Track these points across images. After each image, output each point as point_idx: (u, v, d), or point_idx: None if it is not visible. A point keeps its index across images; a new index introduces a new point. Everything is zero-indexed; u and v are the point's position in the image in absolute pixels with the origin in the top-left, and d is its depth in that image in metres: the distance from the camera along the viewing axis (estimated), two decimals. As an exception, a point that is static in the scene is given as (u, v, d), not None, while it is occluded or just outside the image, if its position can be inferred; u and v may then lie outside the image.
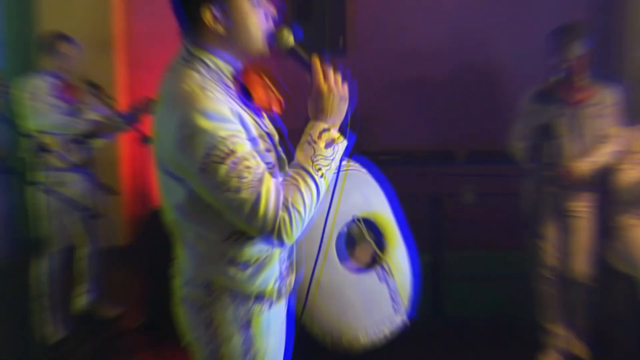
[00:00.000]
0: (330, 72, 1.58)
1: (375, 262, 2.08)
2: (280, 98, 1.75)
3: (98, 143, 4.13)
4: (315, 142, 1.55)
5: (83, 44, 5.40)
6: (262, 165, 1.51)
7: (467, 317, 4.24)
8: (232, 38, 1.61)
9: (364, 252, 2.09)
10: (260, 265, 1.67)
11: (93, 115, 4.11)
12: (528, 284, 3.71)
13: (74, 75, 4.17)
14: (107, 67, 5.55)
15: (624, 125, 3.57)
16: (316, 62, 1.58)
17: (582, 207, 3.66)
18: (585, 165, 3.49)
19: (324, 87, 1.57)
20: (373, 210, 2.07)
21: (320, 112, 1.58)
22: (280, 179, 1.54)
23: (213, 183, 1.48)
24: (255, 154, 1.52)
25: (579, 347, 3.75)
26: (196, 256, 1.68)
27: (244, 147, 1.49)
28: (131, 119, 4.10)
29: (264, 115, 1.70)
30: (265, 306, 1.70)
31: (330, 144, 1.57)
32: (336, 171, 1.66)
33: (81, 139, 3.97)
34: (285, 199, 1.50)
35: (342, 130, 1.67)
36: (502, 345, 3.89)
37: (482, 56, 5.16)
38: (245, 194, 1.47)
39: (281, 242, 1.54)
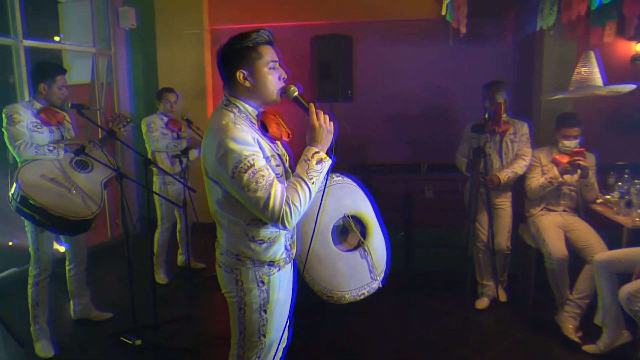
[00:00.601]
0: (321, 114, 1.66)
1: (359, 245, 2.07)
2: (288, 131, 1.83)
3: (192, 158, 4.22)
4: (309, 160, 1.63)
5: (186, 92, 5.66)
6: (273, 175, 1.58)
7: (428, 272, 4.27)
8: (255, 91, 1.70)
9: (352, 239, 2.09)
10: (272, 242, 1.73)
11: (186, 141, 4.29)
12: (467, 251, 3.76)
13: (176, 113, 4.31)
14: (203, 108, 5.70)
15: (531, 147, 3.60)
16: (312, 107, 1.68)
17: (504, 202, 3.69)
18: (505, 174, 3.54)
19: (316, 123, 1.65)
20: (359, 210, 2.08)
21: (313, 140, 1.66)
22: (285, 184, 1.61)
23: (239, 186, 1.56)
24: (268, 168, 1.59)
25: (501, 294, 3.79)
26: (229, 235, 1.73)
27: (259, 162, 1.57)
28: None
29: (277, 142, 1.78)
30: (275, 269, 1.75)
31: (319, 162, 1.63)
32: (324, 180, 1.72)
33: (180, 156, 4.12)
34: (287, 198, 1.57)
35: (328, 153, 1.74)
36: (451, 291, 3.92)
37: (442, 98, 5.22)
38: (260, 194, 1.55)
39: (284, 227, 1.60)
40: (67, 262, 3.42)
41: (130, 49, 5.57)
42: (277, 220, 1.57)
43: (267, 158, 1.64)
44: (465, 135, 3.78)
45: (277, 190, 1.57)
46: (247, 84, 1.68)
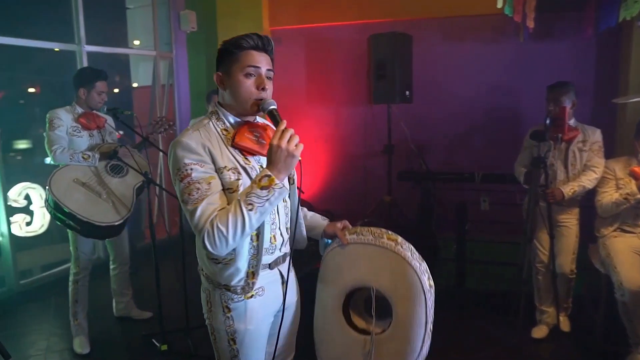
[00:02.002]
0: (287, 134, 1.40)
1: (367, 332, 1.75)
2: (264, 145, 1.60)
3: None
4: (255, 183, 1.42)
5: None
6: (212, 189, 1.44)
7: (480, 290, 3.88)
8: (230, 98, 1.55)
9: (365, 319, 1.79)
10: (225, 264, 1.56)
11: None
12: (523, 272, 3.33)
13: None
14: (260, 110, 5.67)
15: (602, 158, 3.11)
16: (280, 125, 1.42)
17: (569, 219, 3.22)
18: (570, 188, 3.08)
19: (274, 143, 1.40)
20: (380, 286, 1.68)
21: (269, 163, 1.42)
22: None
23: (178, 193, 1.48)
24: (210, 181, 1.45)
25: (564, 322, 3.32)
26: (197, 249, 1.63)
27: (196, 173, 1.44)
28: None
29: (251, 156, 1.57)
30: (239, 297, 1.58)
31: (266, 187, 1.40)
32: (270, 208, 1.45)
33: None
34: (214, 218, 1.41)
35: (289, 180, 1.56)
36: (505, 315, 3.51)
37: (507, 101, 4.74)
38: (189, 206, 1.44)
39: (209, 249, 1.42)
40: (110, 262, 3.50)
41: (190, 52, 5.65)
42: (200, 239, 1.42)
43: (219, 169, 1.49)
44: (525, 142, 3.36)
45: (206, 207, 1.42)
46: (222, 88, 1.57)
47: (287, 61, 5.60)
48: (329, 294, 1.76)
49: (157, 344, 3.10)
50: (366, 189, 5.26)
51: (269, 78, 1.55)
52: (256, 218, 1.41)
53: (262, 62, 1.52)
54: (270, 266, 1.64)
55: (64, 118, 3.04)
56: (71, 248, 3.15)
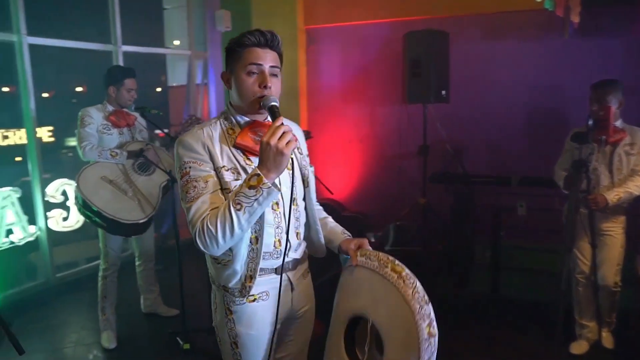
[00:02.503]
0: (278, 131, 1.33)
1: None
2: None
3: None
4: (245, 182, 1.37)
5: (280, 94, 5.65)
6: (209, 188, 1.43)
7: (515, 300, 3.68)
8: (236, 97, 1.52)
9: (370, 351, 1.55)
10: (224, 265, 1.54)
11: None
12: (561, 283, 3.14)
13: None
14: (295, 110, 5.62)
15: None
16: (275, 122, 1.37)
17: (614, 227, 3.00)
18: (615, 194, 2.87)
19: (265, 140, 1.34)
20: (376, 317, 1.46)
21: (259, 161, 1.37)
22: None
23: (179, 189, 1.50)
24: (207, 180, 1.44)
25: (607, 339, 3.10)
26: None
27: (194, 172, 1.44)
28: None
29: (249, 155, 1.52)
30: (239, 300, 1.55)
31: (254, 187, 1.34)
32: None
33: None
34: (206, 217, 1.39)
35: (303, 183, 1.54)
36: (541, 327, 3.33)
37: (549, 101, 4.48)
38: (186, 204, 1.43)
39: (199, 246, 1.40)
40: (136, 259, 3.55)
41: (224, 51, 5.68)
42: (193, 237, 1.41)
43: (217, 168, 1.47)
44: (566, 144, 3.16)
45: (200, 206, 1.41)
46: (228, 87, 1.56)
47: (322, 60, 5.55)
48: (336, 314, 1.65)
49: (181, 343, 3.10)
50: (400, 190, 5.12)
51: (274, 75, 1.50)
52: (245, 219, 1.36)
53: (266, 58, 1.48)
54: (277, 271, 1.58)
55: (95, 116, 3.10)
56: (100, 244, 3.20)
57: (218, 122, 1.54)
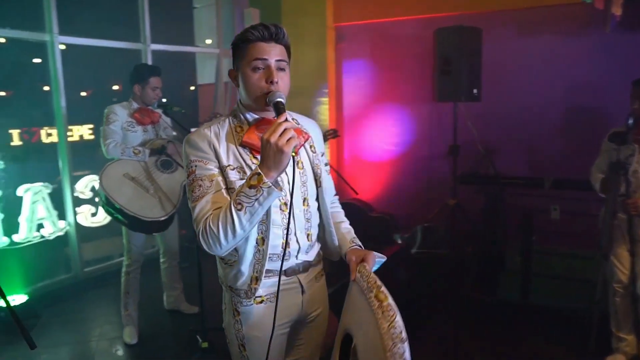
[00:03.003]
0: (279, 128, 1.28)
1: None
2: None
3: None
4: (246, 182, 1.33)
5: (308, 92, 5.60)
6: (211, 187, 1.41)
7: (546, 308, 3.50)
8: (244, 95, 1.49)
9: None
10: (230, 265, 1.52)
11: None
12: (596, 292, 2.97)
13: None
14: (324, 108, 5.59)
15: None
16: (278, 119, 1.32)
17: (654, 234, 2.82)
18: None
19: (265, 137, 1.29)
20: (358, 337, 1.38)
21: (260, 160, 1.33)
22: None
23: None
24: (212, 179, 1.42)
25: (645, 352, 2.91)
26: None
27: (200, 170, 1.43)
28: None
29: (256, 154, 1.48)
30: (247, 301, 1.52)
31: (254, 186, 1.30)
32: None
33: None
34: (209, 216, 1.37)
35: (316, 183, 1.53)
36: (574, 338, 3.16)
37: (587, 100, 4.25)
38: (192, 203, 1.42)
39: (203, 247, 1.38)
40: (160, 256, 3.57)
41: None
42: (197, 237, 1.39)
43: (223, 167, 1.44)
44: (603, 145, 2.98)
45: (204, 205, 1.39)
46: (236, 85, 1.53)
47: (351, 58, 5.47)
48: (339, 326, 1.57)
49: (200, 340, 3.10)
50: (429, 191, 5.00)
51: (281, 69, 1.46)
52: (246, 219, 1.33)
53: (271, 53, 1.44)
54: (287, 273, 1.55)
55: (120, 113, 3.13)
56: (124, 240, 3.23)
57: (227, 120, 1.52)
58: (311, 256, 1.62)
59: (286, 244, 1.48)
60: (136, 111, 3.18)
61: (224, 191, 1.42)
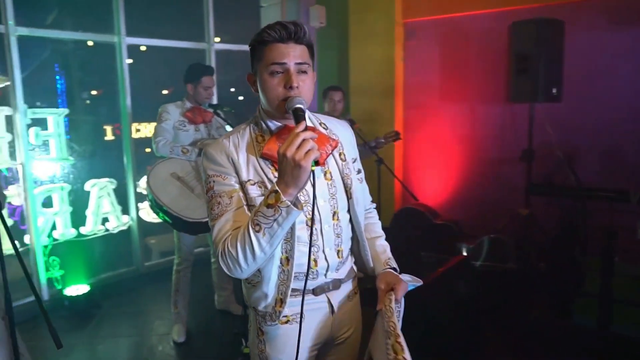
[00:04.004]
0: (296, 140, 1.15)
1: None
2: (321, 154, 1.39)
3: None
4: (263, 200, 1.20)
5: (374, 91, 5.39)
6: (230, 205, 1.30)
7: (629, 338, 3.04)
8: (263, 101, 1.36)
9: None
10: (253, 285, 1.40)
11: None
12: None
13: (338, 113, 4.01)
14: (390, 107, 5.35)
15: None
16: (297, 127, 1.18)
17: None
18: None
19: (281, 151, 1.16)
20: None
21: (278, 175, 1.20)
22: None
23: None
24: (232, 195, 1.31)
25: None
26: None
27: (218, 187, 1.32)
28: (374, 147, 3.87)
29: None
30: (271, 322, 1.40)
31: (272, 206, 1.17)
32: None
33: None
34: (228, 237, 1.26)
35: (347, 194, 1.41)
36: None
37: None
38: (211, 222, 1.32)
39: (223, 270, 1.27)
40: (211, 256, 3.56)
41: (319, 48, 5.56)
42: (218, 259, 1.29)
43: (242, 182, 1.33)
44: None
45: (223, 225, 1.29)
46: (254, 90, 1.39)
47: (421, 55, 5.19)
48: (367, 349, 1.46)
49: (243, 344, 3.03)
50: (499, 198, 4.61)
51: (302, 72, 1.32)
52: (266, 241, 1.21)
53: (290, 55, 1.30)
54: (315, 292, 1.43)
55: (172, 112, 3.14)
56: (175, 239, 3.25)
57: (247, 129, 1.41)
58: (342, 273, 1.49)
59: (308, 264, 1.32)
60: (188, 110, 3.18)
61: (245, 208, 1.31)
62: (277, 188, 1.17)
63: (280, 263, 1.35)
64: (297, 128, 1.18)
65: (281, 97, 1.30)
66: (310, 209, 1.37)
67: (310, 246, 1.29)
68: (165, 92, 5.24)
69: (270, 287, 1.36)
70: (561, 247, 3.89)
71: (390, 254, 1.56)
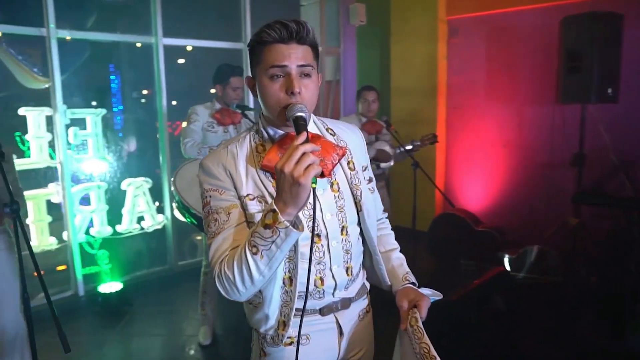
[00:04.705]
0: (295, 154, 1.03)
1: None
2: (327, 165, 1.27)
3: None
4: (261, 219, 1.09)
5: (416, 90, 5.18)
6: (228, 222, 1.19)
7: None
8: (262, 105, 1.24)
9: None
10: (255, 306, 1.28)
11: (382, 145, 3.79)
12: None
13: (373, 114, 3.83)
14: (432, 108, 5.14)
15: None
16: (297, 139, 1.06)
17: None
18: None
19: (278, 167, 1.05)
20: None
21: (276, 192, 1.08)
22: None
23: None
24: (228, 211, 1.20)
25: None
26: None
27: (215, 202, 1.21)
28: (410, 150, 3.68)
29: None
30: (270, 343, 1.30)
31: (269, 226, 1.06)
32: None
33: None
34: (224, 258, 1.16)
35: (357, 206, 1.30)
36: None
37: None
38: (208, 241, 1.22)
39: (221, 291, 1.16)
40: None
41: (360, 46, 5.40)
42: (215, 282, 1.18)
43: (240, 197, 1.22)
44: None
45: (220, 244, 1.18)
46: (254, 95, 1.27)
47: (465, 54, 4.94)
48: None
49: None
50: (546, 205, 4.31)
51: (305, 75, 1.19)
52: (264, 263, 1.10)
53: (291, 57, 1.17)
54: (322, 312, 1.31)
55: (201, 113, 3.09)
56: (203, 240, 3.20)
57: (248, 137, 1.29)
58: (352, 292, 1.36)
59: (308, 283, 1.17)
60: (217, 111, 3.12)
61: (244, 225, 1.20)
62: (274, 207, 1.06)
63: (283, 283, 1.24)
64: (297, 140, 1.06)
65: (282, 103, 1.17)
66: (317, 222, 1.26)
67: (310, 264, 1.16)
68: (213, 90, 5.30)
69: (272, 310, 1.25)
70: (614, 261, 3.56)
71: (407, 267, 1.44)
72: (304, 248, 1.23)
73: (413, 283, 1.37)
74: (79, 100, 4.06)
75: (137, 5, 4.09)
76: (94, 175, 3.83)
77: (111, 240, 3.92)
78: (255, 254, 1.09)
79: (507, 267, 3.92)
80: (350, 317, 1.37)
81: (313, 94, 1.21)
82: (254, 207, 1.20)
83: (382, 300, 1.61)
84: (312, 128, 1.31)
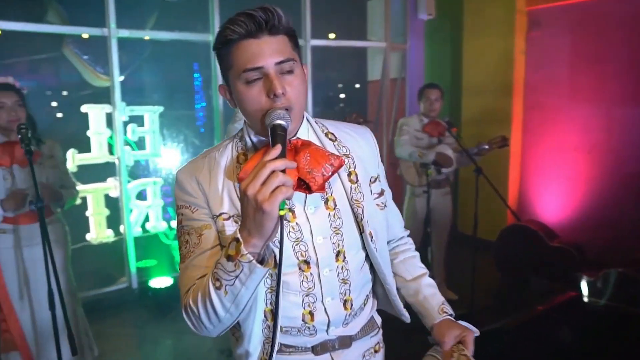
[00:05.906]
0: (262, 173, 0.83)
1: None
2: (315, 180, 1.02)
3: (434, 173, 3.42)
4: (225, 249, 0.90)
5: (490, 88, 4.71)
6: (199, 245, 1.02)
7: None
8: (243, 115, 1.04)
9: None
10: (237, 339, 1.09)
11: (444, 149, 3.43)
12: None
13: (436, 114, 3.51)
14: (507, 108, 4.65)
15: None
16: (268, 153, 0.86)
17: None
18: None
19: (242, 187, 0.85)
20: None
21: (242, 218, 0.88)
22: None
23: None
24: (199, 232, 1.02)
25: None
26: None
27: (187, 221, 1.05)
28: (476, 154, 3.31)
29: None
30: None
31: (231, 258, 0.87)
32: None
33: (426, 167, 3.35)
34: (191, 288, 1.00)
35: (359, 227, 1.08)
36: None
37: None
38: (180, 265, 1.05)
39: (189, 325, 1.01)
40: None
41: (428, 41, 5.01)
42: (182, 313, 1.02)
43: (213, 216, 1.03)
44: None
45: (190, 271, 1.02)
46: (232, 105, 1.07)
47: (546, 47, 4.40)
48: None
49: None
50: (637, 222, 3.70)
51: (287, 72, 0.98)
52: (229, 300, 0.92)
53: (266, 54, 0.95)
54: (315, 351, 1.10)
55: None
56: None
57: (230, 145, 1.10)
58: (354, 329, 1.14)
59: (275, 319, 0.96)
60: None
61: (218, 249, 1.02)
62: (238, 235, 0.88)
63: (265, 317, 1.05)
64: (268, 154, 0.85)
65: (265, 109, 0.97)
66: (305, 247, 1.05)
67: (277, 298, 0.95)
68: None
69: (253, 346, 1.06)
70: None
71: (442, 296, 1.22)
72: (289, 277, 1.03)
73: (452, 315, 1.19)
74: (160, 97, 4.12)
75: (195, 3, 4.06)
76: (149, 170, 3.88)
77: (165, 236, 3.95)
78: (219, 288, 0.92)
79: (584, 291, 3.39)
80: (353, 358, 1.14)
81: (300, 91, 0.99)
82: (230, 228, 1.01)
83: (394, 329, 1.35)
84: (303, 133, 1.08)
